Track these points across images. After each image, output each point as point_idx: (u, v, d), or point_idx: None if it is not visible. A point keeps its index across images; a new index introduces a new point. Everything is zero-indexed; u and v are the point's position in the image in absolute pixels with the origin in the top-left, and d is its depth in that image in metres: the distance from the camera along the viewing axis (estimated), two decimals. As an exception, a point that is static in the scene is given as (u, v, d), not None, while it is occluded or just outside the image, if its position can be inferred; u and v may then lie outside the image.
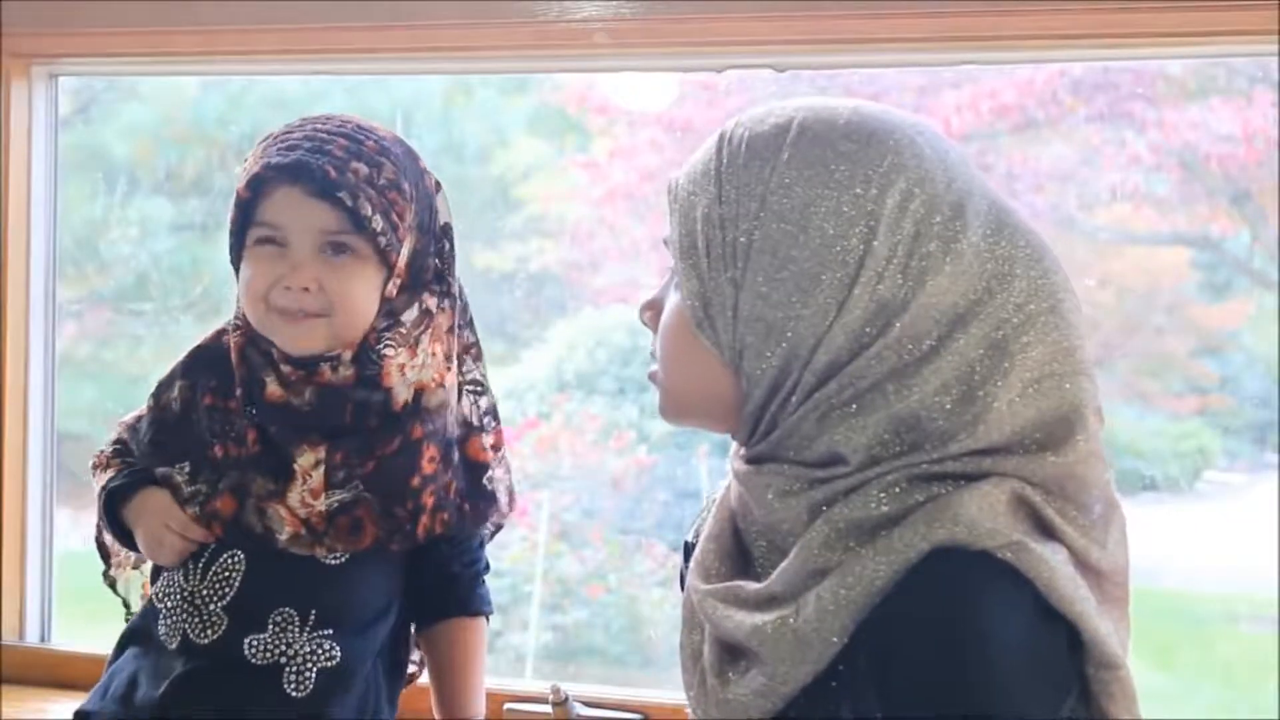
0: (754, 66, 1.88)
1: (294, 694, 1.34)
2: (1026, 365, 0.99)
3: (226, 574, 1.36)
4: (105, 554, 1.51)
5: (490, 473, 1.42)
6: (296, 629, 1.35)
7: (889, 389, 0.99)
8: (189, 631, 1.36)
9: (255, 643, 1.34)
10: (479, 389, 1.45)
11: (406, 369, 1.36)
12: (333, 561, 1.35)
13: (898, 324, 0.99)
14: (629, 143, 3.30)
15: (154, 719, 1.35)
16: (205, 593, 1.36)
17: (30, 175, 2.03)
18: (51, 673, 1.93)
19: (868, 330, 0.99)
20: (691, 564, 1.11)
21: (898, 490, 0.98)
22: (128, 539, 1.43)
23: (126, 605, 1.51)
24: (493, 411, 1.45)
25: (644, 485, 3.30)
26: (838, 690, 0.98)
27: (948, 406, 0.98)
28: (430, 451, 1.36)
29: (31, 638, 2.02)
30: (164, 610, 1.39)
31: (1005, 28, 1.67)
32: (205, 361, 1.42)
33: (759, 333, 1.02)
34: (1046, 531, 0.98)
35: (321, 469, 1.34)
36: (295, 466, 1.34)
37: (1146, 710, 1.03)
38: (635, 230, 3.24)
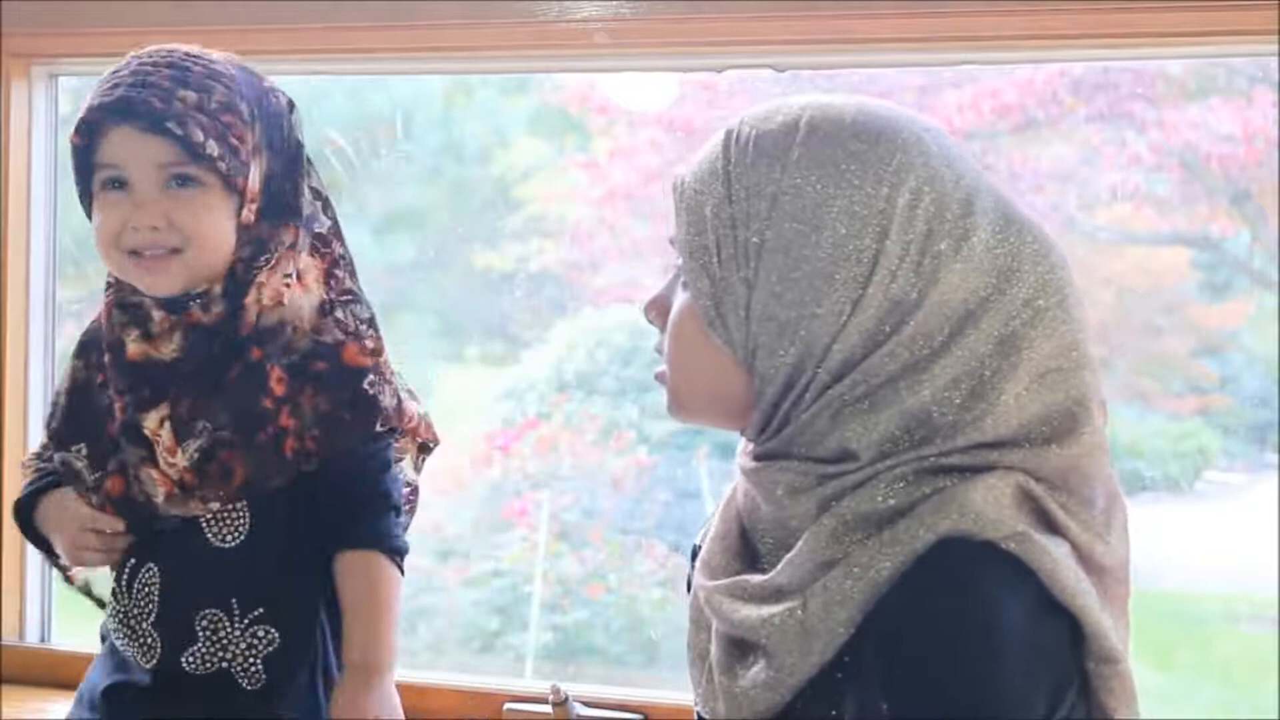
0: (754, 66, 1.88)
1: (249, 687, 1.33)
2: (1034, 360, 1.00)
3: (147, 589, 1.34)
4: (58, 564, 1.45)
5: (369, 377, 1.34)
6: (228, 626, 1.33)
7: (901, 385, 1.00)
8: (134, 657, 1.35)
9: (193, 657, 1.33)
10: (353, 298, 1.39)
11: (264, 290, 1.33)
12: (231, 543, 1.32)
13: (911, 322, 0.99)
14: (629, 143, 3.30)
15: None
16: (136, 611, 1.35)
17: (30, 175, 2.03)
18: (51, 673, 1.93)
19: (882, 329, 1.00)
20: (698, 563, 1.12)
21: (904, 483, 0.99)
22: (48, 549, 1.41)
23: (102, 605, 1.47)
24: (371, 322, 1.39)
25: (644, 485, 3.30)
26: (843, 682, 0.98)
27: (957, 401, 0.99)
28: (276, 372, 1.31)
29: (31, 638, 2.02)
30: (112, 631, 1.38)
31: (1005, 28, 1.67)
32: (95, 338, 1.39)
33: (772, 332, 1.02)
34: (1050, 525, 0.98)
35: (168, 425, 1.30)
36: (145, 431, 1.31)
37: (1146, 710, 1.04)
38: (635, 230, 3.24)
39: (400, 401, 1.39)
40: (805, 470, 1.02)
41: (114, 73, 1.33)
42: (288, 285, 1.34)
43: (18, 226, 2.01)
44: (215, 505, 1.31)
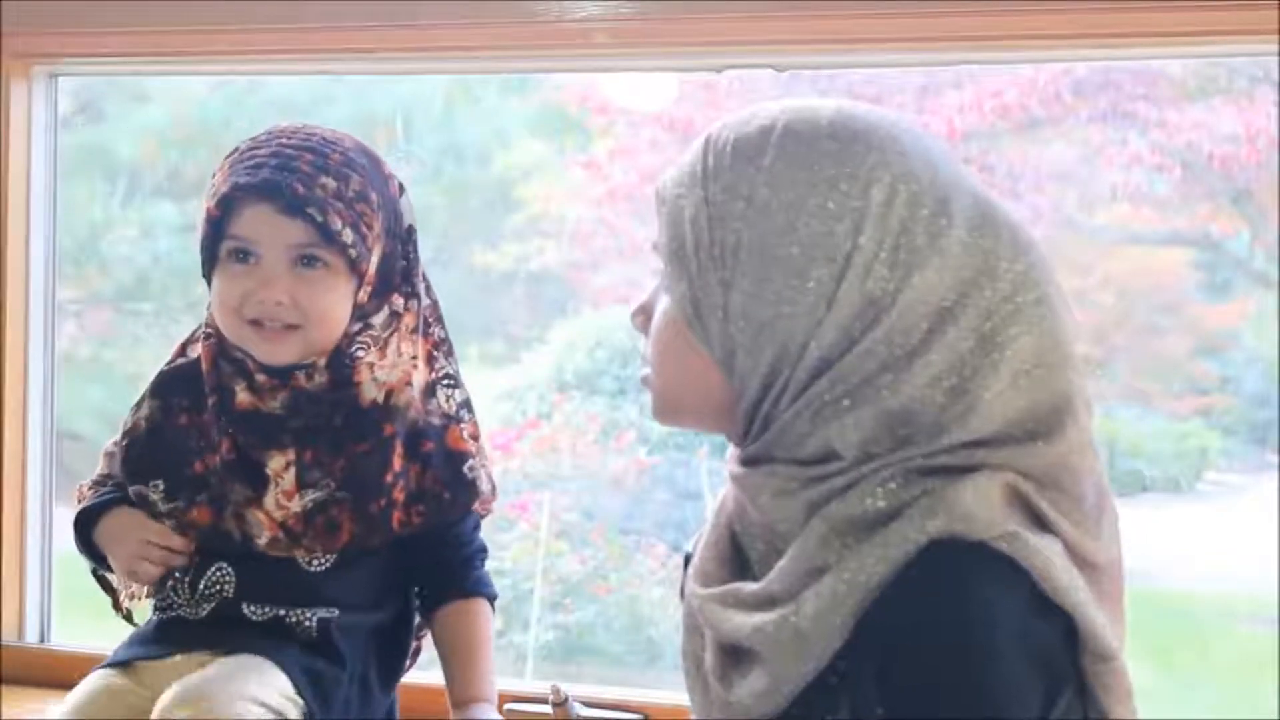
0: (754, 66, 1.88)
1: (301, 636, 1.36)
2: (1016, 357, 1.00)
3: (219, 586, 1.37)
4: (109, 587, 1.48)
5: (470, 461, 1.43)
6: (291, 609, 1.37)
7: (880, 384, 0.99)
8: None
9: (254, 606, 1.36)
10: (452, 383, 1.46)
11: (376, 369, 1.39)
12: (318, 568, 1.37)
13: (886, 319, 0.99)
14: (629, 143, 3.31)
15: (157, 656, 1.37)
16: (198, 603, 1.37)
17: (30, 175, 2.03)
18: (51, 673, 1.93)
19: (856, 326, 1.00)
20: (690, 570, 1.12)
21: (892, 485, 0.98)
22: (103, 563, 1.43)
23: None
24: (467, 405, 1.46)
25: (644, 485, 3.30)
26: (838, 687, 0.98)
27: (939, 400, 0.99)
28: (398, 448, 1.38)
29: (31, 638, 2.02)
30: (160, 621, 1.41)
31: (1005, 28, 1.67)
32: (175, 380, 1.43)
33: (749, 332, 1.03)
34: (1040, 524, 0.98)
35: (293, 470, 1.36)
36: (268, 471, 1.36)
37: (1145, 710, 1.03)
38: (635, 230, 3.24)
39: (493, 483, 1.46)
40: (790, 474, 1.02)
41: (252, 149, 1.37)
42: (414, 367, 1.42)
43: (18, 226, 2.01)
44: (319, 556, 1.37)
